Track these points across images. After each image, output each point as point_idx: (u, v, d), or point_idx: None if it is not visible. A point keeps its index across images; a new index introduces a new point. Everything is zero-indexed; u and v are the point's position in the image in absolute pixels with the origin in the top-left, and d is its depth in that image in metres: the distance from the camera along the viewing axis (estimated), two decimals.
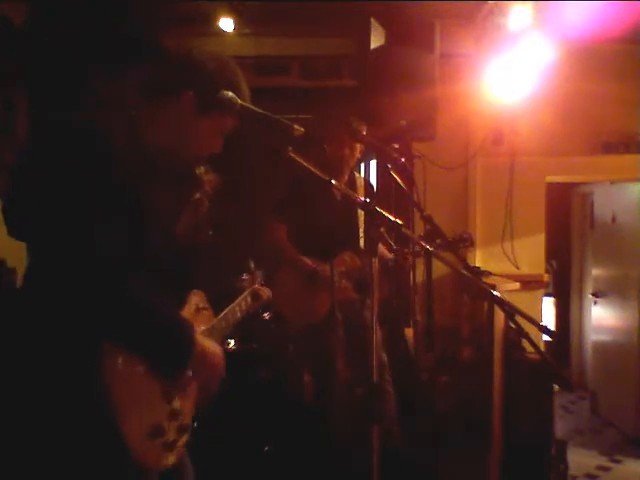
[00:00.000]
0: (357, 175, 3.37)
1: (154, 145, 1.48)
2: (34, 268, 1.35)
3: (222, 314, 1.81)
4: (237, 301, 1.93)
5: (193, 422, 1.56)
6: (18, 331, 1.34)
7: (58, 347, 1.27)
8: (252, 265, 2.20)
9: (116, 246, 1.27)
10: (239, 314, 1.94)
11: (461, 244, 3.20)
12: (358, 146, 3.20)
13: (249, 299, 2.03)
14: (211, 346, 1.52)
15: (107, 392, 1.24)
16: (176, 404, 1.46)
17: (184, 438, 1.51)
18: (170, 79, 1.50)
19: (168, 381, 1.43)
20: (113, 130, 1.39)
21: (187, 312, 1.60)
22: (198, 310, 1.66)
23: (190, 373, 1.48)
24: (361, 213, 3.25)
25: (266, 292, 2.13)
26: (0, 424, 1.33)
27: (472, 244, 3.21)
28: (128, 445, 1.27)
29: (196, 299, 1.67)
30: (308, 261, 3.13)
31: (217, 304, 1.81)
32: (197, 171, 2.24)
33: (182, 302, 1.59)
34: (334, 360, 3.13)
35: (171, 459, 1.44)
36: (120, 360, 1.28)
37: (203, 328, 1.65)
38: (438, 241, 2.51)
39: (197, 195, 2.27)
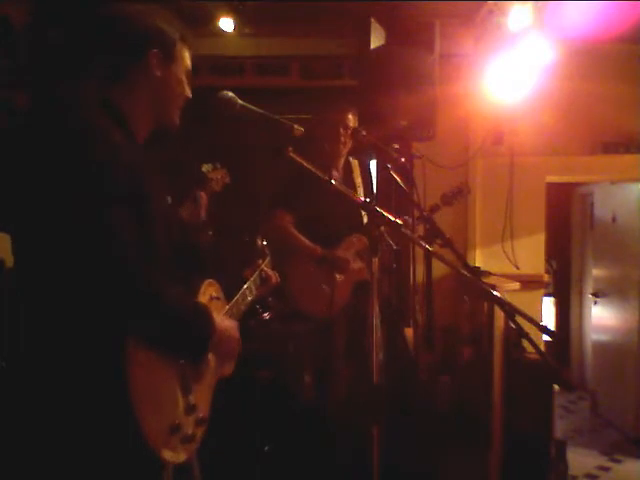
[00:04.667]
0: (352, 159, 3.34)
1: (136, 125, 1.48)
2: (39, 265, 1.33)
3: (233, 301, 1.82)
4: (247, 285, 1.94)
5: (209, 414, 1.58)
6: (36, 332, 1.34)
7: (79, 346, 1.27)
8: (259, 242, 2.19)
9: (130, 241, 1.28)
10: (249, 298, 1.94)
11: (459, 194, 3.22)
12: (351, 125, 3.16)
13: (258, 282, 2.03)
14: (226, 322, 1.57)
15: (128, 391, 1.25)
16: (193, 398, 1.49)
17: (201, 431, 1.53)
18: (128, 46, 1.46)
19: (186, 375, 1.46)
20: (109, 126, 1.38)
21: (201, 301, 1.62)
22: (212, 299, 1.68)
23: (209, 359, 1.53)
24: (360, 194, 3.25)
25: (274, 275, 2.11)
26: (23, 423, 1.34)
27: (469, 191, 3.28)
28: (149, 442, 1.28)
29: (210, 289, 1.69)
30: (315, 246, 3.07)
31: (229, 291, 1.83)
32: (203, 168, 2.23)
33: (195, 292, 1.61)
34: (336, 358, 3.13)
35: (189, 452, 1.46)
36: (140, 358, 1.29)
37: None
38: (439, 241, 2.51)
39: (199, 191, 2.27)
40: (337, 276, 3.09)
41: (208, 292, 1.67)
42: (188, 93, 1.57)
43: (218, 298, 1.72)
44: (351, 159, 3.32)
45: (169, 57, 1.50)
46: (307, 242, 3.09)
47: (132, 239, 1.28)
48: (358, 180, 3.25)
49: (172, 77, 1.52)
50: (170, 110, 1.55)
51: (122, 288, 1.26)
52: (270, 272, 2.09)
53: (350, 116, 3.15)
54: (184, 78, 1.56)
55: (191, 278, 1.64)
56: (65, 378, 1.28)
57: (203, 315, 1.46)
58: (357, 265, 3.11)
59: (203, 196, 2.39)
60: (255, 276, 2.01)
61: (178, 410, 1.43)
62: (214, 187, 2.43)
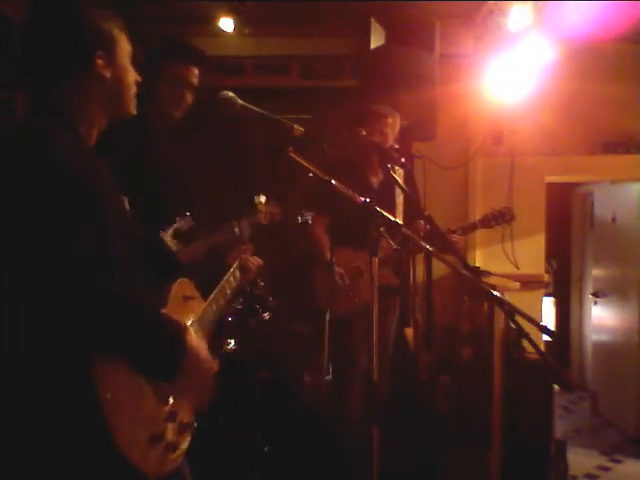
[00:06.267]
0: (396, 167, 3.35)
1: (88, 127, 1.44)
2: (15, 275, 1.30)
3: (211, 297, 1.74)
4: (225, 278, 1.86)
5: (195, 419, 1.53)
6: (7, 345, 1.30)
7: (49, 362, 1.24)
8: (236, 228, 2.15)
9: (94, 246, 1.25)
10: (229, 291, 1.86)
11: (500, 220, 3.19)
12: (390, 131, 3.17)
13: (237, 273, 1.96)
14: (201, 347, 1.45)
15: (101, 406, 1.20)
16: (172, 404, 1.43)
17: (186, 437, 1.48)
18: (72, 54, 1.40)
19: (160, 384, 1.40)
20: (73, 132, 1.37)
21: (173, 304, 1.54)
22: (186, 299, 1.60)
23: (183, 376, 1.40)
24: (400, 202, 3.26)
25: (255, 261, 2.05)
26: None
27: (513, 217, 3.17)
28: (129, 456, 1.23)
29: (182, 289, 1.60)
30: (327, 254, 3.14)
31: (207, 285, 1.76)
32: (256, 199, 2.19)
33: (166, 294, 1.54)
34: (352, 356, 3.14)
35: (174, 461, 1.41)
36: (111, 372, 1.24)
37: (193, 318, 1.60)
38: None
39: (243, 221, 2.19)
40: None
41: (180, 292, 1.58)
42: (137, 77, 1.53)
43: (192, 297, 1.63)
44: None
45: (113, 52, 1.45)
46: (323, 249, 3.16)
47: (87, 239, 1.25)
48: (398, 190, 3.26)
49: (121, 71, 1.47)
50: (126, 103, 1.51)
51: (80, 289, 1.21)
52: (251, 259, 2.04)
53: (389, 121, 3.17)
54: (129, 64, 1.50)
55: (160, 279, 1.56)
56: (34, 390, 1.24)
57: (173, 325, 1.38)
58: (381, 271, 3.10)
59: (244, 226, 2.28)
60: (234, 268, 1.95)
61: (157, 419, 1.37)
62: (260, 219, 2.34)
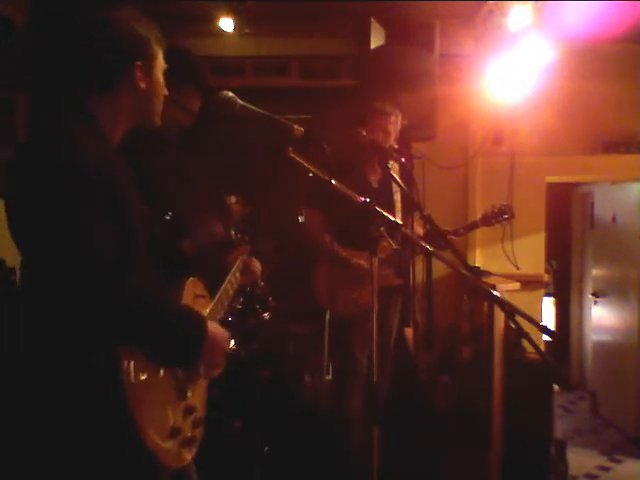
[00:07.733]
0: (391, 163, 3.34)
1: (113, 130, 1.47)
2: (35, 273, 1.33)
3: (216, 297, 1.79)
4: (227, 279, 1.91)
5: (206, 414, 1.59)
6: (30, 340, 1.33)
7: (75, 356, 1.26)
8: (233, 234, 2.18)
9: (114, 245, 1.27)
10: (231, 292, 1.92)
11: (500, 217, 3.18)
12: (392, 129, 3.15)
13: (238, 274, 2.01)
14: (216, 328, 1.51)
15: (126, 399, 1.23)
16: (189, 400, 1.49)
17: (199, 431, 1.54)
18: (111, 60, 1.42)
19: (180, 379, 1.45)
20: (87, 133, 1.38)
21: (186, 301, 1.59)
22: (196, 297, 1.66)
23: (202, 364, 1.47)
24: (397, 199, 3.25)
25: (255, 264, 2.10)
26: (21, 433, 1.33)
27: (512, 216, 3.17)
28: (151, 447, 1.28)
29: (193, 287, 1.65)
30: (341, 250, 3.11)
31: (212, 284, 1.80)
32: (228, 201, 2.23)
33: (179, 292, 1.58)
34: (353, 357, 3.13)
35: (189, 454, 1.47)
36: (135, 366, 1.28)
37: (204, 315, 1.65)
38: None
39: (220, 224, 2.23)
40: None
41: (192, 290, 1.64)
42: (166, 92, 1.55)
43: (203, 296, 1.70)
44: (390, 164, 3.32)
45: (151, 65, 1.47)
46: (333, 245, 3.11)
47: (107, 238, 1.26)
48: (395, 187, 3.25)
49: (155, 84, 1.50)
50: (153, 114, 1.53)
51: (98, 288, 1.23)
52: (251, 261, 2.08)
53: (392, 119, 3.16)
54: (162, 78, 1.53)
55: (174, 277, 1.60)
56: (60, 386, 1.27)
57: (193, 317, 1.42)
58: (383, 272, 3.10)
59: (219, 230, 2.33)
60: (235, 269, 1.99)
61: (176, 413, 1.42)
62: (235, 218, 2.40)
